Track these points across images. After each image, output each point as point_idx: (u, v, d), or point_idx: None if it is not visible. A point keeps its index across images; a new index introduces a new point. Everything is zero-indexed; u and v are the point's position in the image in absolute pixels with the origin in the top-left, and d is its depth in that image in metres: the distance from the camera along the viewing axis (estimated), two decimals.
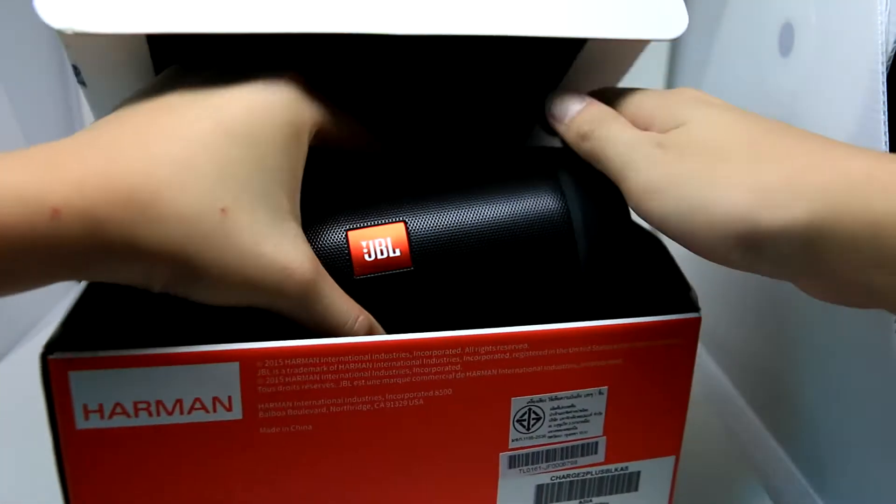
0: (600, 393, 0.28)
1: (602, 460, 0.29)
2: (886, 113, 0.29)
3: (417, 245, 0.28)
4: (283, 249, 0.24)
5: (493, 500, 0.28)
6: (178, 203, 0.22)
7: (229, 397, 0.25)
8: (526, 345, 0.26)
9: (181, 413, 0.24)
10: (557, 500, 0.29)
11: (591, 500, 0.30)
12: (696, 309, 0.28)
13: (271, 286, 0.24)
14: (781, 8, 0.37)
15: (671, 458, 0.30)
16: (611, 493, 0.30)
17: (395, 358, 0.26)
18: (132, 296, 0.26)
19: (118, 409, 0.24)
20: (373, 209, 0.28)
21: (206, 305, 0.24)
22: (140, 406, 0.24)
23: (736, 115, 0.26)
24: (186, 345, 0.24)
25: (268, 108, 0.25)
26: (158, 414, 0.24)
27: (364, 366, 0.25)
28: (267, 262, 0.24)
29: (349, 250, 0.27)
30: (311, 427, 0.26)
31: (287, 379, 0.25)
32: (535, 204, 0.29)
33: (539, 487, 0.29)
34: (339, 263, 0.27)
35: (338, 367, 0.25)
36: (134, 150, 0.22)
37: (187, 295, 0.23)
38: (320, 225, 0.28)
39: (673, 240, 0.25)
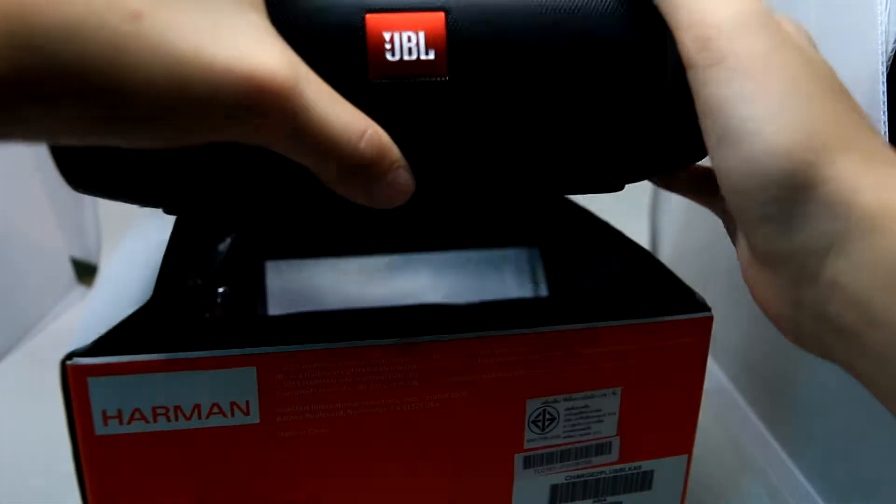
0: (614, 393, 0.28)
1: (616, 460, 0.29)
2: (886, 113, 0.29)
3: (459, 47, 0.21)
4: (242, 52, 0.17)
5: (508, 500, 0.29)
6: (63, 13, 0.15)
7: (247, 402, 0.25)
8: (540, 346, 0.27)
9: (199, 418, 0.25)
10: (572, 500, 0.29)
11: (605, 500, 0.30)
12: (707, 308, 0.28)
13: (232, 102, 0.17)
14: (781, 8, 0.37)
15: (684, 457, 0.30)
16: (624, 493, 0.30)
17: (410, 360, 0.26)
18: (150, 301, 0.26)
19: (137, 415, 0.24)
20: None
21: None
22: (159, 411, 0.24)
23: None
24: (204, 350, 0.24)
25: None
26: (177, 419, 0.24)
27: (380, 368, 0.26)
28: (220, 72, 0.17)
29: (365, 42, 0.21)
30: (327, 430, 0.26)
31: (304, 383, 0.25)
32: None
33: (554, 487, 0.29)
34: (349, 60, 0.21)
35: (354, 370, 0.25)
36: None
37: (129, 142, 0.17)
38: (325, 1, 0.21)
39: (709, 140, 0.21)
